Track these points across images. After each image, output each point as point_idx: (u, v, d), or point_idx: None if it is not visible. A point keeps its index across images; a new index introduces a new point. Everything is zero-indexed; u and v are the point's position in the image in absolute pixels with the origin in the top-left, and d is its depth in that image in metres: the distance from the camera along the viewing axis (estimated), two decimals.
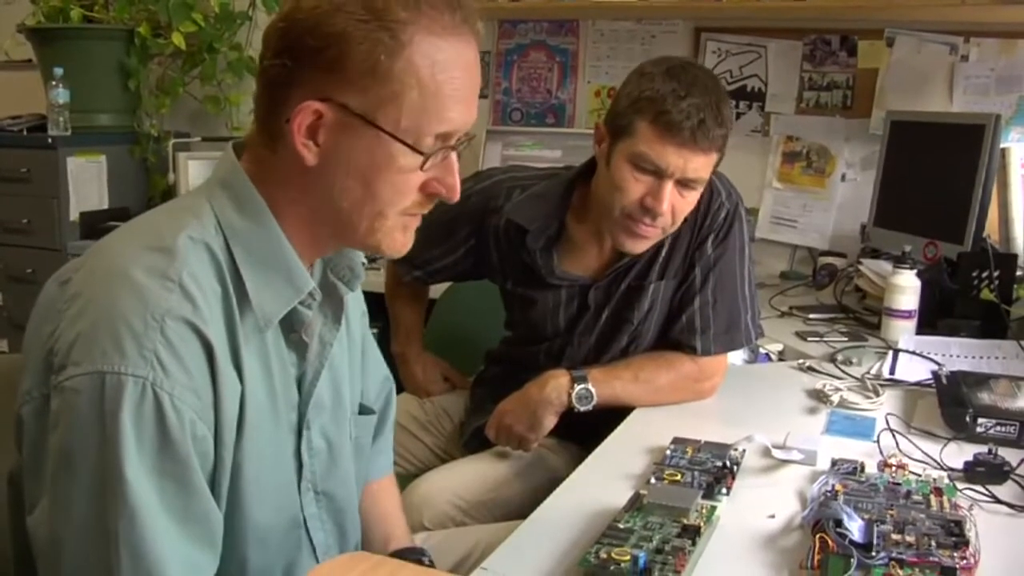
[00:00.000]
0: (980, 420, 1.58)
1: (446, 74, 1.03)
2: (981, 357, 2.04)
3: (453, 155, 1.09)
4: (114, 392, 0.93)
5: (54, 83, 3.31)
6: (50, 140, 3.33)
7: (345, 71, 1.00)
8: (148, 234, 1.05)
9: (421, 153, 1.05)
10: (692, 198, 1.71)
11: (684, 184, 1.67)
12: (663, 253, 1.79)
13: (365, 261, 1.24)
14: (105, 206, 3.47)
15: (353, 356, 1.31)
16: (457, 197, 1.11)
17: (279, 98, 1.04)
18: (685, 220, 1.74)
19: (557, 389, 1.72)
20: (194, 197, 1.11)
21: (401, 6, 1.00)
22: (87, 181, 3.44)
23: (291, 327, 1.13)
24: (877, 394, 1.80)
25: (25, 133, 3.47)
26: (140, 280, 0.98)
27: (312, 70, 1.01)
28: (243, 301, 1.06)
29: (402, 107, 1.02)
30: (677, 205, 1.69)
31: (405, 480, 1.79)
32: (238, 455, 1.05)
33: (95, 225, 3.37)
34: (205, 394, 1.00)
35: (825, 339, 2.23)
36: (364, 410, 1.36)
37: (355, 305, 1.33)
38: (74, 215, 3.37)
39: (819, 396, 1.81)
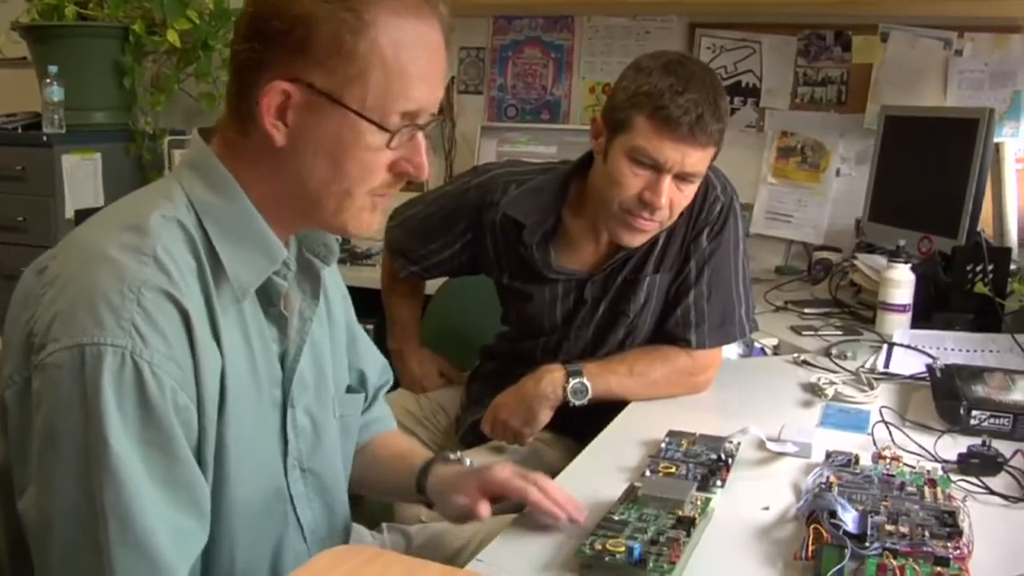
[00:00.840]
0: (974, 412, 1.59)
1: (409, 53, 1.05)
2: (975, 351, 2.05)
3: (420, 134, 1.11)
4: (94, 362, 0.94)
5: (49, 81, 3.30)
6: (45, 138, 3.32)
7: (311, 51, 1.02)
8: (121, 216, 1.07)
9: (387, 130, 1.06)
10: (689, 192, 1.72)
11: (682, 178, 1.68)
12: (659, 246, 1.79)
13: (339, 237, 1.24)
14: (100, 204, 3.45)
15: (335, 336, 1.32)
16: (425, 175, 1.13)
17: (249, 81, 1.06)
18: (681, 214, 1.75)
19: (552, 383, 1.72)
20: (164, 180, 1.14)
21: None
22: (82, 179, 3.43)
23: (269, 300, 1.14)
24: (872, 387, 1.81)
25: (20, 131, 3.47)
26: (115, 256, 0.99)
27: (279, 51, 1.03)
28: (218, 274, 1.07)
29: (367, 85, 1.04)
30: (675, 199, 1.69)
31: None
32: (222, 428, 1.06)
33: None
34: (185, 364, 1.01)
35: (820, 333, 2.23)
36: (353, 389, 1.37)
37: (335, 287, 1.35)
38: (69, 213, 3.37)
39: (814, 389, 1.81)
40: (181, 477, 1.00)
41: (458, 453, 1.42)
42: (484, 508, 1.26)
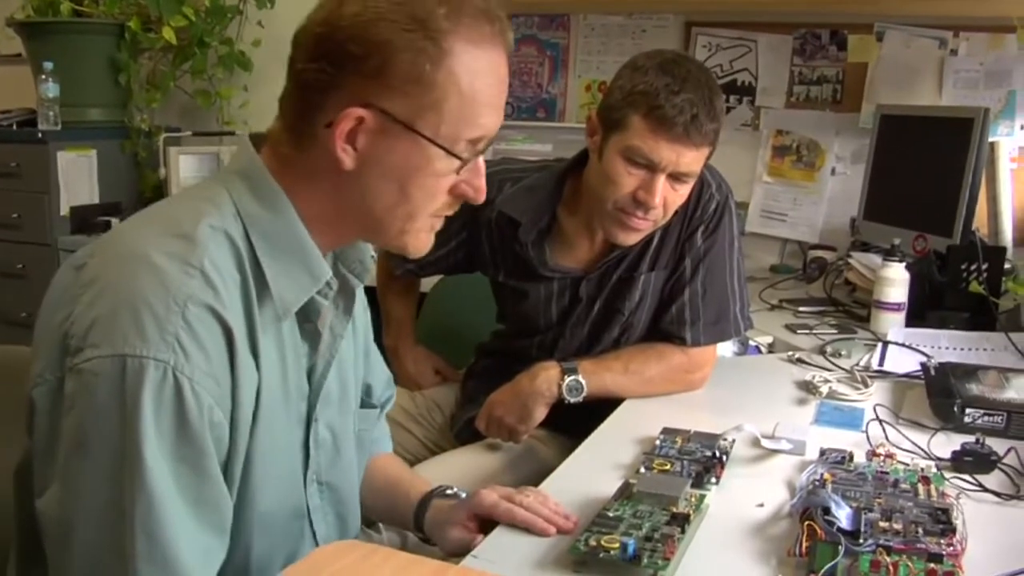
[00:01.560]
0: (968, 410, 1.59)
1: (482, 82, 1.06)
2: (970, 349, 2.05)
3: (480, 158, 1.12)
4: (135, 376, 0.94)
5: (44, 77, 3.30)
6: (40, 135, 3.32)
7: (389, 78, 1.02)
8: (167, 221, 1.05)
9: (459, 158, 1.07)
10: (684, 191, 1.72)
11: (676, 178, 1.68)
12: (653, 244, 1.80)
13: (374, 254, 1.25)
14: (96, 201, 3.47)
15: (358, 350, 1.33)
16: (483, 198, 1.14)
17: (315, 102, 1.05)
18: (676, 211, 1.75)
19: (547, 381, 1.73)
20: (212, 186, 1.11)
21: (443, 16, 1.02)
22: (77, 176, 3.43)
23: (306, 317, 1.14)
24: (866, 385, 1.81)
25: (15, 128, 3.47)
26: (161, 265, 0.98)
27: (353, 76, 1.03)
28: (262, 290, 1.06)
29: (442, 114, 1.04)
30: (669, 198, 1.69)
31: None
32: (251, 444, 1.06)
33: (86, 220, 3.36)
34: (224, 381, 1.00)
35: (815, 331, 2.24)
36: (366, 404, 1.37)
37: (358, 301, 1.34)
38: (65, 210, 3.37)
39: (808, 387, 1.81)
40: (209, 495, 1.00)
41: (454, 488, 1.43)
42: (477, 539, 1.26)
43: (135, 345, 0.94)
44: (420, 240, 1.14)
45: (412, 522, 1.41)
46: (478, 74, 1.05)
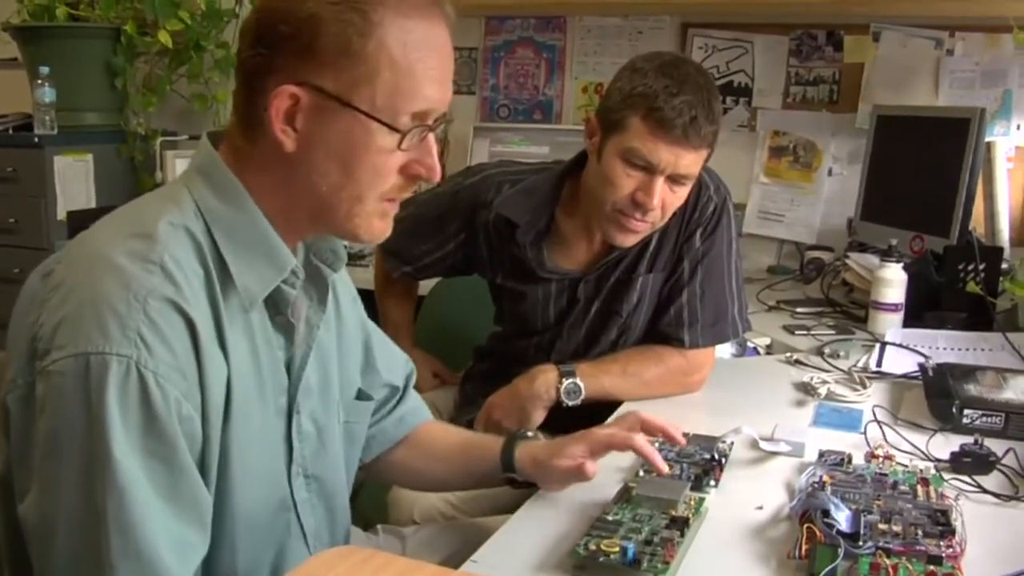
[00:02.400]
0: (966, 411, 1.59)
1: (418, 53, 1.05)
2: (967, 349, 2.05)
3: (431, 135, 1.11)
4: (99, 372, 0.94)
5: (40, 82, 3.29)
6: (36, 139, 3.32)
7: (318, 54, 1.02)
8: (128, 222, 1.06)
9: (398, 131, 1.06)
10: (682, 193, 1.72)
11: (675, 180, 1.68)
12: (652, 246, 1.80)
13: (349, 245, 1.24)
14: (92, 205, 3.46)
15: (344, 341, 1.32)
16: (437, 177, 1.12)
17: (256, 87, 1.05)
18: (674, 214, 1.75)
19: (546, 384, 1.72)
20: (173, 185, 1.13)
21: None
22: (74, 180, 3.43)
23: (276, 308, 1.14)
24: (864, 386, 1.81)
25: (11, 132, 3.46)
26: (122, 264, 0.99)
27: (286, 56, 1.03)
28: (226, 283, 1.07)
29: (376, 86, 1.04)
30: (667, 200, 1.70)
31: None
32: (226, 438, 1.06)
33: (82, 224, 3.30)
34: (190, 374, 1.00)
35: (812, 333, 2.24)
36: (362, 395, 1.37)
37: (345, 291, 1.34)
38: (61, 214, 3.36)
39: (806, 389, 1.81)
40: (184, 489, 1.00)
41: (532, 432, 1.46)
42: (591, 467, 1.29)
43: (98, 343, 0.95)
44: (372, 226, 1.12)
45: (499, 465, 1.40)
46: (412, 45, 1.04)
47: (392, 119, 1.05)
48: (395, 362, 1.46)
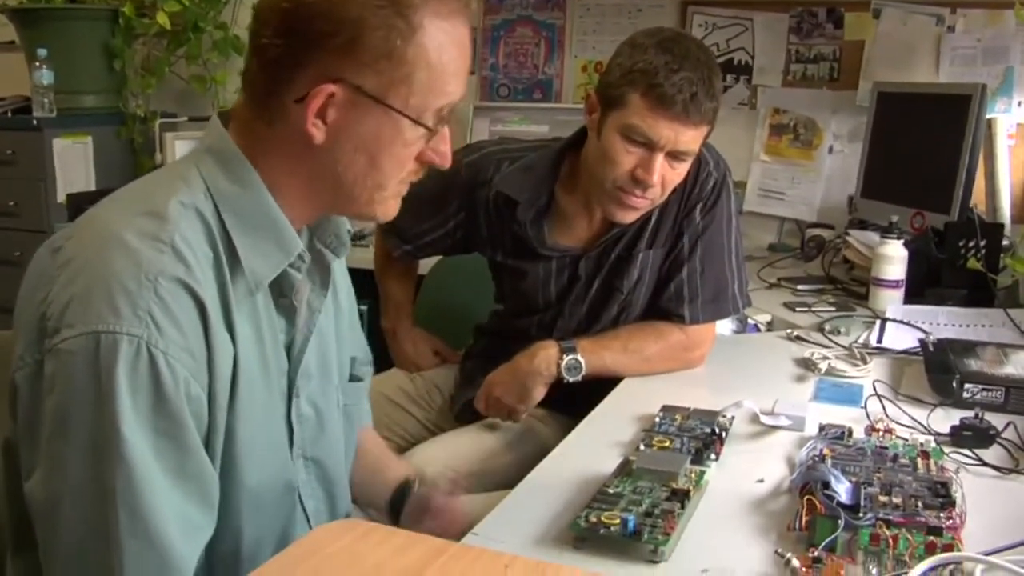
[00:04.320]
0: (967, 385, 1.59)
1: (449, 53, 1.07)
2: (968, 325, 2.05)
3: (445, 125, 1.13)
4: (109, 351, 0.94)
5: (38, 64, 3.28)
6: (35, 122, 3.31)
7: (360, 54, 1.03)
8: (139, 200, 1.06)
9: (428, 128, 1.09)
10: (682, 170, 1.72)
11: (675, 156, 1.68)
12: (652, 222, 1.79)
13: (351, 228, 1.25)
14: (92, 188, 3.45)
15: (340, 325, 1.32)
16: (449, 163, 1.15)
17: (282, 78, 1.05)
18: (674, 190, 1.75)
19: (546, 360, 1.73)
20: (183, 164, 1.12)
21: None
22: (73, 163, 3.42)
23: (281, 291, 1.14)
24: (865, 362, 1.82)
25: (10, 115, 3.45)
26: (133, 243, 0.99)
27: (322, 52, 1.03)
28: (234, 264, 1.07)
29: (412, 86, 1.06)
30: (667, 177, 1.69)
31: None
32: (231, 418, 1.06)
33: (82, 207, 3.29)
34: (199, 354, 1.01)
35: (813, 309, 2.24)
36: (353, 378, 1.37)
37: (342, 276, 1.35)
38: (61, 197, 3.35)
39: (807, 364, 1.82)
40: (191, 468, 1.00)
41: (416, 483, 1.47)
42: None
43: (108, 322, 0.95)
44: (388, 207, 1.15)
45: (388, 504, 1.44)
46: (445, 46, 1.06)
47: (421, 116, 1.08)
48: (360, 354, 1.47)
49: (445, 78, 1.07)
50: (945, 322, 2.07)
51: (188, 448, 0.99)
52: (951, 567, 1.04)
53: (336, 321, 1.30)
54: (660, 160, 1.66)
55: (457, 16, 1.08)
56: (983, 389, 1.59)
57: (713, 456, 1.37)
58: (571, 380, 1.72)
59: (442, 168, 1.16)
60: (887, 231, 2.21)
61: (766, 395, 1.59)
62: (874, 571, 1.05)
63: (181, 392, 0.98)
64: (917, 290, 2.24)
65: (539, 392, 1.74)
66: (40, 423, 0.98)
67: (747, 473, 1.34)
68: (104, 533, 0.95)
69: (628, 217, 1.74)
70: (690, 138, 1.66)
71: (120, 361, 0.94)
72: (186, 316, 0.99)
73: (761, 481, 1.31)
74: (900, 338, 1.95)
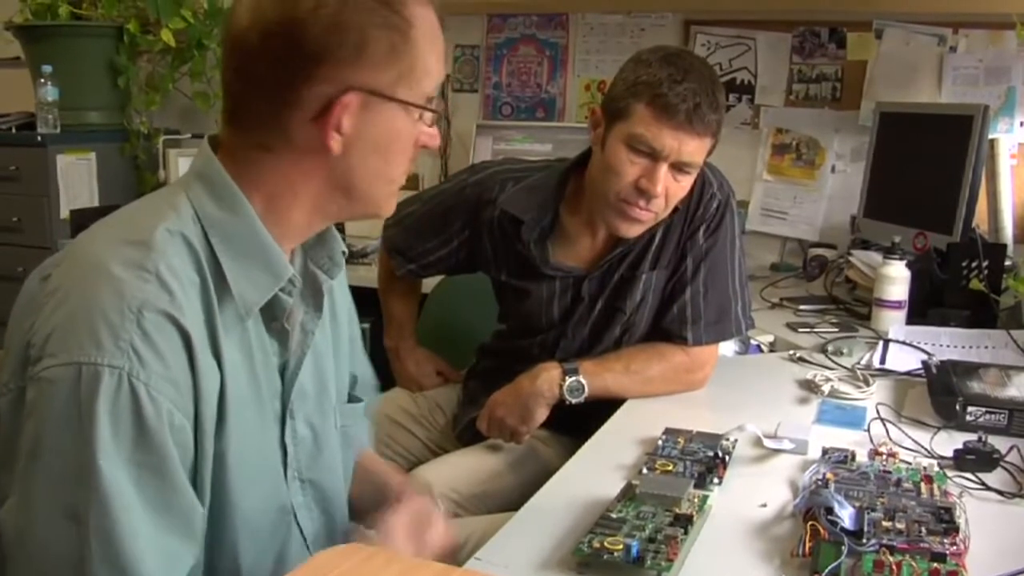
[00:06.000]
0: (970, 408, 1.59)
1: (433, 39, 1.11)
2: (971, 347, 2.05)
3: None
4: (90, 383, 0.94)
5: (43, 80, 3.29)
6: (39, 138, 3.31)
7: (367, 58, 1.05)
8: (126, 228, 1.06)
9: (430, 110, 1.12)
10: (686, 183, 1.72)
11: (678, 168, 1.68)
12: (655, 243, 1.80)
13: (345, 250, 1.25)
14: (95, 204, 3.45)
15: (339, 346, 1.32)
16: (438, 142, 1.18)
17: (287, 101, 1.05)
18: (677, 210, 1.76)
19: (548, 381, 1.72)
20: (171, 190, 1.13)
21: None
22: (77, 179, 3.43)
23: (272, 315, 1.14)
24: (868, 384, 1.81)
25: (14, 131, 3.46)
26: (117, 273, 0.98)
27: (329, 65, 1.04)
28: (223, 290, 1.06)
29: (414, 76, 1.09)
30: (671, 189, 1.70)
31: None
32: (220, 444, 1.05)
33: (85, 223, 3.30)
34: (183, 384, 1.00)
35: (816, 330, 2.24)
36: (352, 399, 1.37)
37: (342, 296, 1.34)
38: (64, 213, 3.36)
39: (810, 386, 1.81)
40: (173, 500, 0.99)
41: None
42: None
43: (90, 353, 0.94)
44: (392, 203, 1.17)
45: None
46: (429, 33, 1.10)
47: (424, 101, 1.11)
48: (365, 375, 1.45)
49: (434, 63, 1.11)
50: (948, 343, 2.07)
51: (171, 480, 0.99)
52: None
53: (334, 340, 1.30)
54: (664, 170, 1.67)
55: (431, 3, 1.12)
56: (986, 412, 1.59)
57: (716, 480, 1.36)
58: (573, 401, 1.72)
59: (432, 147, 1.18)
60: (889, 251, 2.21)
61: (769, 417, 1.59)
62: None
63: (164, 423, 0.97)
64: (920, 311, 2.24)
65: (541, 413, 1.74)
66: (17, 450, 0.97)
67: (750, 497, 1.33)
68: (76, 564, 0.94)
69: (632, 231, 1.74)
70: (693, 148, 1.67)
71: (101, 393, 0.94)
72: (169, 346, 0.98)
73: (764, 506, 1.31)
74: (903, 359, 1.95)
